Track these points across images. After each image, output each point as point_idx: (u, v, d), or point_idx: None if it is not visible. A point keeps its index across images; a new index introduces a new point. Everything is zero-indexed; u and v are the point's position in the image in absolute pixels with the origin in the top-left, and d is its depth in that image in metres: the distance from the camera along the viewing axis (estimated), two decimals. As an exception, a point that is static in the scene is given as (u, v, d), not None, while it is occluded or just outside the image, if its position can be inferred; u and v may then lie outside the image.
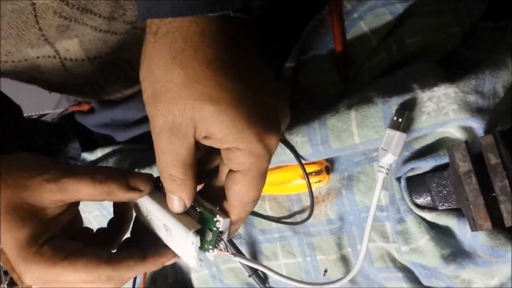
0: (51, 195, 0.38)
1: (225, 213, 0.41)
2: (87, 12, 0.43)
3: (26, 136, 0.52)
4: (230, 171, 0.39)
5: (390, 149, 0.43)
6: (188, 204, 0.40)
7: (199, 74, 0.34)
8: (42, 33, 0.43)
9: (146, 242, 0.44)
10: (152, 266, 0.41)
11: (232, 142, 0.36)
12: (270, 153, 0.38)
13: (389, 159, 0.44)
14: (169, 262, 0.43)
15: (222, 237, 0.41)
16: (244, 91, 0.35)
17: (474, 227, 0.41)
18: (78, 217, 0.44)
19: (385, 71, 0.51)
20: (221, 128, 0.35)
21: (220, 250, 0.41)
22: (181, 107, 0.35)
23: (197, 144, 0.37)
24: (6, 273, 1.08)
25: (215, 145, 0.37)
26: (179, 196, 0.39)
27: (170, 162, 0.37)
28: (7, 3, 0.39)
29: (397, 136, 0.43)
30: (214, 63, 0.35)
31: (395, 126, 0.43)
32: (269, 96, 0.37)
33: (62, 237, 0.40)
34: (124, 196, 0.40)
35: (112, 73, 0.56)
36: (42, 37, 0.44)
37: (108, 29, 0.46)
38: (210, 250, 0.41)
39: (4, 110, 0.53)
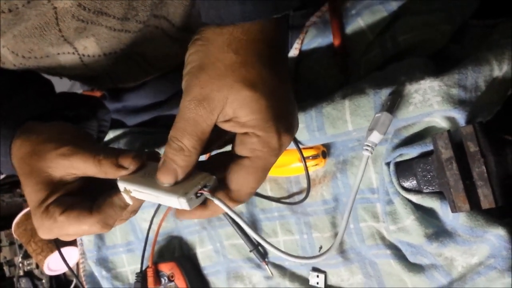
0: (64, 169, 0.43)
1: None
2: (102, 15, 0.46)
3: (58, 108, 0.55)
4: (239, 157, 0.41)
5: (376, 127, 0.45)
6: (180, 177, 0.40)
7: (247, 62, 0.38)
8: (61, 34, 0.47)
9: None
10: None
11: (253, 128, 0.39)
12: (281, 150, 0.40)
13: (375, 137, 0.46)
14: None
15: (204, 191, 0.41)
16: (279, 89, 0.39)
17: (454, 209, 0.44)
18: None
19: (380, 65, 0.54)
20: (247, 113, 0.38)
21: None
22: (221, 84, 0.38)
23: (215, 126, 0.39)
24: (20, 246, 1.13)
25: (234, 129, 0.40)
26: (177, 166, 0.40)
27: (189, 130, 0.39)
28: (31, 10, 0.42)
29: (384, 116, 0.45)
30: (262, 57, 0.38)
31: (382, 107, 0.46)
32: (292, 103, 0.41)
33: (64, 195, 0.45)
34: (114, 174, 0.43)
35: (127, 65, 0.59)
36: (61, 38, 0.48)
37: (122, 28, 0.49)
38: (192, 197, 0.41)
39: (39, 83, 0.56)
